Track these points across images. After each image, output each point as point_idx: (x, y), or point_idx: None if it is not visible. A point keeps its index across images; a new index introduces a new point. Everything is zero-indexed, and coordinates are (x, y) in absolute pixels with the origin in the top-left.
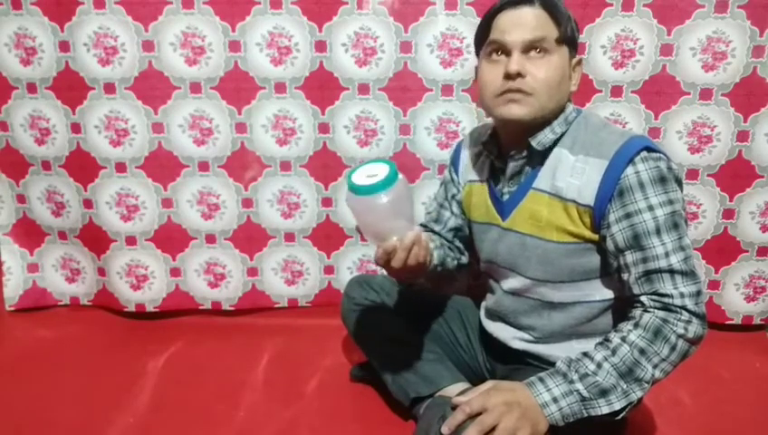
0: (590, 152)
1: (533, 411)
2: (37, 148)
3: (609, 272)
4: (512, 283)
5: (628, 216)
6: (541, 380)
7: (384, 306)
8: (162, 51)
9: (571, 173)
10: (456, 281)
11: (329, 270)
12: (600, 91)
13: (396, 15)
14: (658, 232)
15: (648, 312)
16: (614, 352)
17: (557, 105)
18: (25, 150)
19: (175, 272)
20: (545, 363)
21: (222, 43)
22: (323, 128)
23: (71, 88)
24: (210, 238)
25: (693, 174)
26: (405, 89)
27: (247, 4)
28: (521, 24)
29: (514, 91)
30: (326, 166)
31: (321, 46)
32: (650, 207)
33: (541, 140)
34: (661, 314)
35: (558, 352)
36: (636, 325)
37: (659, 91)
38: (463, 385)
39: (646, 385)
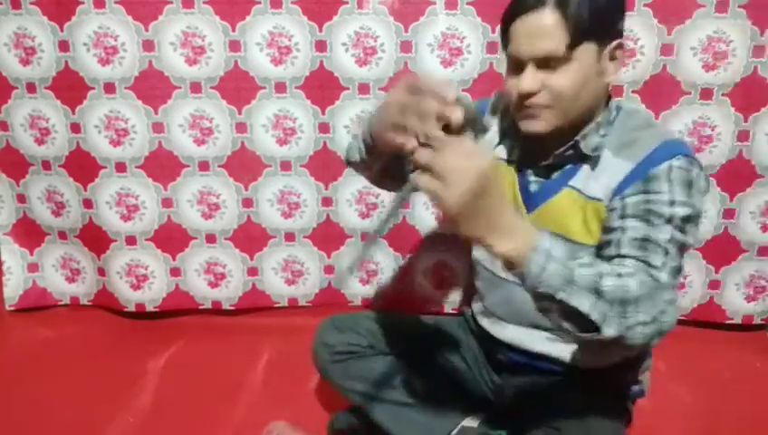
0: (620, 153)
1: (492, 223)
2: (37, 148)
3: None
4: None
5: (646, 192)
6: (551, 236)
7: (369, 350)
8: (162, 50)
9: (607, 175)
10: (455, 280)
11: (329, 270)
12: None
13: (396, 15)
14: (669, 222)
15: (640, 273)
16: (619, 276)
17: (586, 106)
18: (25, 150)
19: (175, 272)
20: (554, 366)
21: (222, 42)
22: (323, 127)
23: (70, 88)
24: (210, 238)
25: None
26: None
27: (247, 4)
28: (531, 36)
29: (531, 108)
30: (326, 166)
31: (321, 46)
32: (672, 202)
33: (589, 142)
34: (651, 281)
35: (578, 353)
36: (621, 265)
37: (660, 91)
38: (477, 416)
39: (622, 329)
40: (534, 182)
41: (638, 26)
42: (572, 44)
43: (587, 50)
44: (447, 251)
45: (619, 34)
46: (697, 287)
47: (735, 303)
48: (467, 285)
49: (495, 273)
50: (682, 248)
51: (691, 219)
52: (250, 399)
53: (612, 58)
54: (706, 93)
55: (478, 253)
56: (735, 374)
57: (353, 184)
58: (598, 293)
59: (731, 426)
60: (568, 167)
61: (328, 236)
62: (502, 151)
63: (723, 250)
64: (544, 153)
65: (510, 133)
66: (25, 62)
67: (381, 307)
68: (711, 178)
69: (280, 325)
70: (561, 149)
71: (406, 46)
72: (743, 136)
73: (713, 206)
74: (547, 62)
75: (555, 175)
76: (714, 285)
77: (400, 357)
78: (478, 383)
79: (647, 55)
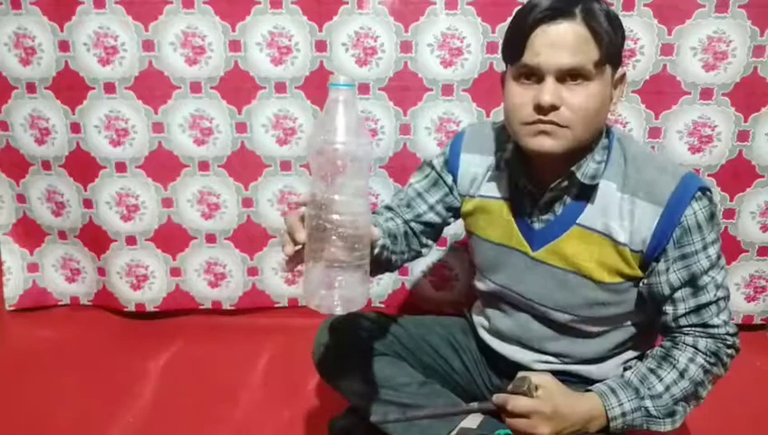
0: (638, 193)
1: (576, 422)
2: (37, 148)
3: (644, 302)
4: (542, 315)
5: (684, 257)
6: (613, 392)
7: (368, 350)
8: (162, 50)
9: (620, 214)
10: (456, 280)
11: None
12: None
13: (396, 15)
14: (710, 269)
15: (702, 339)
16: (682, 374)
17: (595, 133)
18: (25, 150)
19: (175, 272)
20: (571, 378)
21: (222, 42)
22: None
23: (70, 88)
24: (210, 238)
25: None
26: (405, 89)
27: (247, 4)
28: (558, 46)
29: (546, 123)
30: None
31: (321, 46)
32: (705, 247)
33: (585, 171)
34: (712, 342)
35: (587, 371)
36: (696, 350)
37: (660, 91)
38: (477, 416)
39: (701, 402)
40: (537, 221)
41: (638, 26)
42: (600, 62)
43: (607, 72)
44: (448, 252)
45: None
46: None
47: (735, 303)
48: (468, 286)
49: (508, 303)
50: (725, 272)
51: (720, 247)
52: (250, 399)
53: (615, 86)
54: (706, 93)
55: (487, 285)
56: (735, 374)
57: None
58: (673, 412)
59: (731, 426)
60: (570, 202)
61: None
62: (491, 189)
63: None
64: (538, 188)
65: (501, 168)
66: (25, 62)
67: (381, 308)
68: (711, 178)
69: (280, 325)
70: (556, 182)
71: (406, 46)
72: (743, 136)
73: None
74: (566, 78)
75: (559, 211)
76: None
77: (399, 358)
78: (477, 385)
79: (647, 55)
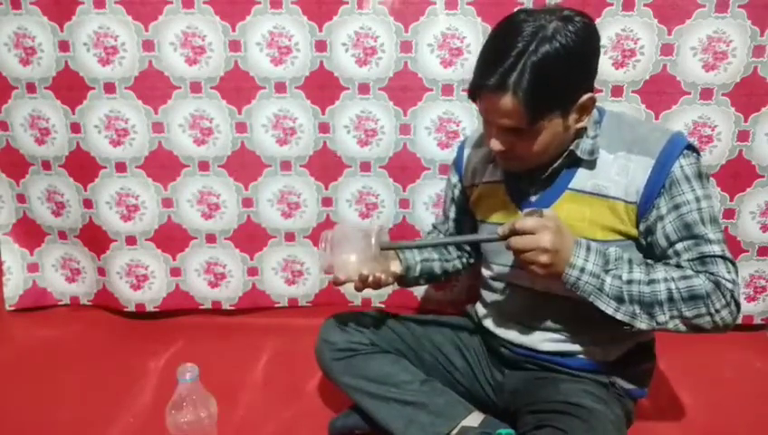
0: (632, 149)
1: (569, 249)
2: (37, 147)
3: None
4: (543, 286)
5: (676, 207)
6: (588, 250)
7: (371, 348)
8: (162, 50)
9: (616, 171)
10: (456, 280)
11: None
12: (601, 91)
13: (396, 15)
14: (704, 222)
15: (703, 274)
16: (649, 283)
17: (558, 150)
18: (25, 150)
19: (175, 272)
20: (575, 364)
21: (222, 42)
22: (323, 127)
23: (70, 88)
24: (210, 238)
25: None
26: (405, 88)
27: (247, 4)
28: (494, 112)
29: (504, 158)
30: (326, 166)
31: (321, 46)
32: (697, 199)
33: (583, 147)
34: (710, 285)
35: (590, 353)
36: (683, 277)
37: (660, 91)
38: (478, 415)
39: (654, 324)
40: (533, 193)
41: (638, 26)
42: (533, 121)
43: (550, 119)
44: None
45: (588, 90)
46: None
47: None
48: (469, 286)
49: (511, 283)
50: (725, 239)
51: (714, 208)
52: (250, 399)
53: (582, 110)
54: (706, 93)
55: (492, 269)
56: (736, 374)
57: (353, 184)
58: (622, 300)
59: (731, 426)
60: (564, 172)
61: None
62: (491, 174)
63: None
64: (538, 167)
65: (494, 157)
66: (25, 63)
67: (381, 308)
68: (711, 179)
69: (280, 325)
70: (558, 162)
71: (406, 46)
72: (743, 136)
73: None
74: (512, 130)
75: (551, 182)
76: None
77: (402, 355)
78: (479, 382)
79: (647, 55)
